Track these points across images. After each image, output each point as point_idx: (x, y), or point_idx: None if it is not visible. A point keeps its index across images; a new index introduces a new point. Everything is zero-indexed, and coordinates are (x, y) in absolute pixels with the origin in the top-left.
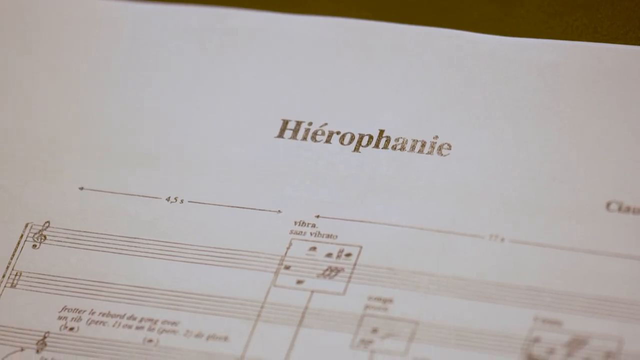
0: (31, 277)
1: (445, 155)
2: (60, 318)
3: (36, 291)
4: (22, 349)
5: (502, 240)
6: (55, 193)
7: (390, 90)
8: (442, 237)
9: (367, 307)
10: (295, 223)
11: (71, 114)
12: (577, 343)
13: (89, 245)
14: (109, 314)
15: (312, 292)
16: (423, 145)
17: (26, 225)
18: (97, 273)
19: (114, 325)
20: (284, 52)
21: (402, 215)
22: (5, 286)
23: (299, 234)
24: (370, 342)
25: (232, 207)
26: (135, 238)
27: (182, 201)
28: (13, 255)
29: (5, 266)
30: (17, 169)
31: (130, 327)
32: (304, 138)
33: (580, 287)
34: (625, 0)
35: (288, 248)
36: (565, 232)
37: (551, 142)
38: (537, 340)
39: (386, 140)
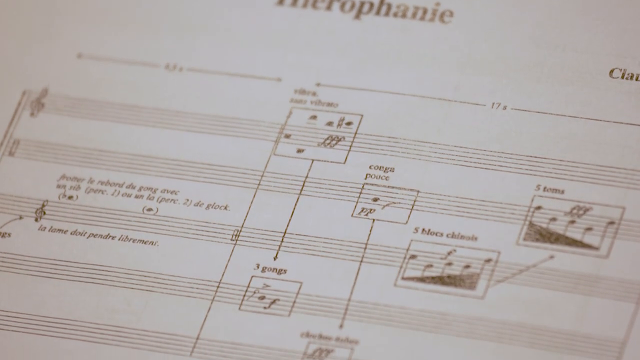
0: (29, 145)
1: (447, 23)
2: (58, 186)
3: (35, 159)
4: (20, 217)
5: (504, 108)
6: (53, 60)
7: None
8: (444, 105)
9: (368, 175)
10: (295, 91)
11: None
12: (578, 211)
13: (87, 113)
14: (107, 183)
15: (313, 160)
16: (424, 12)
17: (23, 93)
18: (96, 141)
19: (113, 194)
20: None
21: (403, 84)
22: (3, 154)
23: (299, 102)
24: (371, 210)
25: (232, 75)
26: (134, 106)
27: (181, 69)
28: (11, 123)
29: (3, 134)
30: (14, 36)
31: (129, 195)
32: (304, 5)
33: (582, 155)
34: None
35: (288, 116)
36: (567, 99)
37: (555, 8)
38: (538, 208)
39: (387, 8)
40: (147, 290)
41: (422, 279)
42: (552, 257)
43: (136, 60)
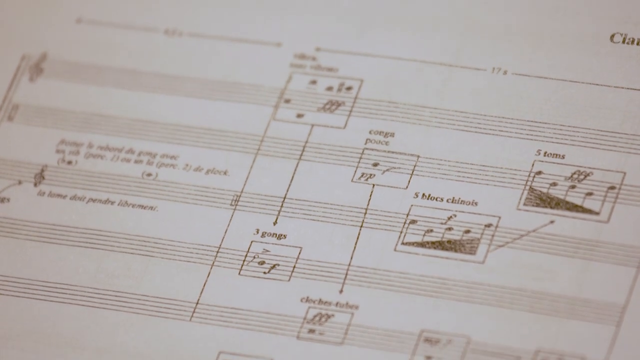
0: (28, 110)
1: None
2: (58, 151)
3: (34, 124)
4: (19, 182)
5: (505, 72)
6: (52, 25)
7: None
8: (444, 70)
9: (368, 140)
10: (295, 56)
11: None
12: (579, 176)
13: (87, 78)
14: (107, 148)
15: (313, 125)
16: None
17: (22, 58)
18: (95, 106)
19: (112, 159)
20: None
21: (404, 48)
22: (2, 119)
23: (299, 67)
24: (371, 176)
25: (232, 40)
26: (134, 71)
27: (180, 34)
28: (9, 87)
29: (2, 99)
30: (13, 0)
31: (128, 160)
32: None
33: (582, 119)
34: None
35: (288, 81)
36: (568, 64)
37: None
38: (539, 173)
39: None
40: (146, 256)
41: (422, 244)
42: (552, 222)
43: (136, 25)
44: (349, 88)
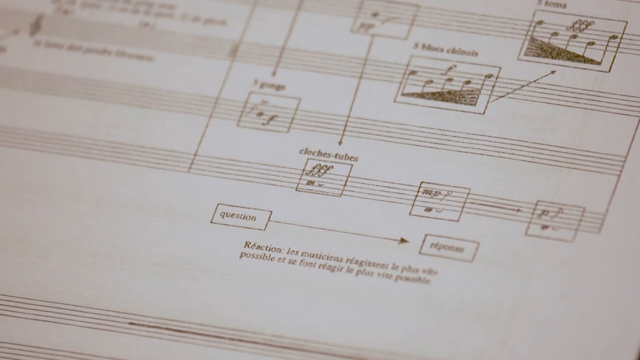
0: None
1: None
2: (54, 0)
3: None
4: (16, 32)
5: None
6: None
7: None
8: None
9: None
10: None
11: None
12: (580, 25)
13: None
14: None
15: None
16: None
17: None
18: None
19: (108, 9)
20: None
21: None
22: None
23: None
24: (370, 26)
25: None
26: None
27: None
28: None
29: None
30: None
31: (125, 10)
32: None
33: None
34: None
35: None
36: None
37: None
38: (540, 23)
39: None
40: (144, 107)
41: (422, 95)
42: (553, 72)
43: None
44: None
